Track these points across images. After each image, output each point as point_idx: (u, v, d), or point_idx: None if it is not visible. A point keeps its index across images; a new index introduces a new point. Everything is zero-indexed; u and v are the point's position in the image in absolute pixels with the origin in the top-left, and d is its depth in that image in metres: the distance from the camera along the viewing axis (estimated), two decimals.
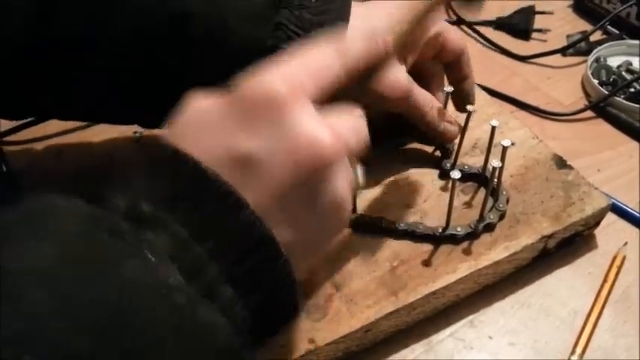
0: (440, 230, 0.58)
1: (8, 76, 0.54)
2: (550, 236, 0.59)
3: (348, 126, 0.39)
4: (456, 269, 0.56)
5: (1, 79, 0.54)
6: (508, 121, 0.70)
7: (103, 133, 0.76)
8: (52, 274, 0.28)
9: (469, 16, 0.93)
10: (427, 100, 0.61)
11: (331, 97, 0.39)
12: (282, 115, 0.35)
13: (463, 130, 0.63)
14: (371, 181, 0.63)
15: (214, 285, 0.33)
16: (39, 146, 0.76)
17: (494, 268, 0.57)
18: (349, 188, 0.39)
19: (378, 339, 0.55)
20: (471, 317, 0.57)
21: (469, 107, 0.60)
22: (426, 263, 0.56)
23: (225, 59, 0.53)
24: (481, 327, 0.57)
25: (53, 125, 0.77)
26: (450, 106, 0.64)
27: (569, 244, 0.62)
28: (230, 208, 0.33)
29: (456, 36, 0.62)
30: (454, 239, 0.58)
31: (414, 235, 0.58)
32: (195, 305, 0.32)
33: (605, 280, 0.60)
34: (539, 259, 0.60)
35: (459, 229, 0.58)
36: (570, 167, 0.65)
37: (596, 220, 0.62)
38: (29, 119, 0.74)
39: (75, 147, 0.76)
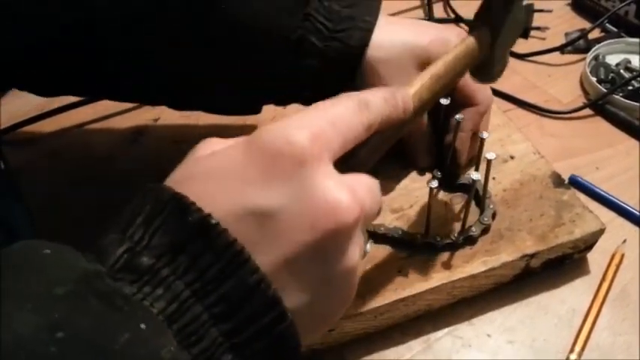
0: (419, 238, 0.57)
1: (44, 54, 0.55)
2: (533, 255, 0.57)
3: (366, 189, 0.36)
4: (428, 279, 0.55)
5: (37, 56, 0.55)
6: (511, 133, 0.69)
7: (100, 132, 0.76)
8: (29, 348, 0.25)
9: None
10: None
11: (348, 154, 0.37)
12: (304, 171, 0.32)
13: (453, 140, 0.61)
14: None
15: (213, 352, 0.30)
16: (37, 145, 0.76)
17: (471, 282, 0.56)
18: (361, 256, 0.36)
19: (344, 339, 0.55)
20: (469, 315, 0.57)
21: (483, 134, 0.58)
22: (401, 270, 0.56)
23: (252, 47, 0.55)
24: (479, 325, 0.57)
25: (51, 124, 0.77)
26: None
27: (557, 266, 0.60)
28: (237, 268, 0.30)
29: (474, 84, 0.59)
30: (432, 248, 0.57)
31: (392, 240, 0.58)
32: None
33: (603, 279, 0.60)
34: (523, 278, 0.59)
35: (438, 239, 0.57)
36: (567, 187, 0.63)
37: (586, 244, 0.60)
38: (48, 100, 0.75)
39: (72, 146, 0.76)
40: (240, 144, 0.34)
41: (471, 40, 0.49)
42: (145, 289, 0.29)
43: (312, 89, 0.57)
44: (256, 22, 0.54)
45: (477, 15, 0.51)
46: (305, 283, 0.33)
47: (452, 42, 0.59)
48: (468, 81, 0.59)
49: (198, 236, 0.30)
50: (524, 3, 0.54)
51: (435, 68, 0.46)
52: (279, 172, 0.32)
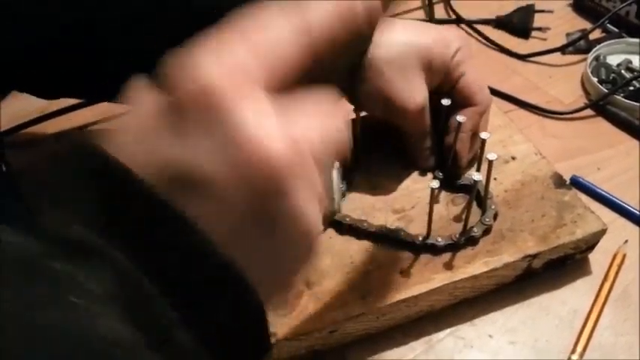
0: (420, 239, 0.57)
1: (44, 54, 0.54)
2: (534, 256, 0.57)
3: (313, 119, 0.30)
4: (430, 279, 0.55)
5: (37, 59, 0.55)
6: (512, 134, 0.69)
7: None
8: None
9: None
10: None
11: (298, 82, 0.30)
12: (220, 115, 0.27)
13: (454, 141, 0.61)
14: (362, 181, 0.63)
15: (165, 328, 0.26)
16: (38, 147, 0.76)
17: (472, 282, 0.56)
18: (317, 204, 0.30)
19: (346, 340, 0.55)
20: (471, 316, 0.57)
21: (484, 135, 0.57)
22: (402, 271, 0.56)
23: None
24: (481, 326, 0.57)
25: (52, 127, 0.77)
26: None
27: (559, 267, 0.60)
28: (181, 231, 0.26)
29: (474, 85, 0.60)
30: (434, 249, 0.57)
31: (394, 241, 0.57)
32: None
33: (605, 279, 0.60)
34: (524, 279, 0.59)
35: (439, 240, 0.57)
36: (569, 187, 0.63)
37: (588, 244, 0.60)
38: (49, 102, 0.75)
39: None
40: (151, 94, 0.29)
41: None
42: (78, 262, 0.25)
43: None
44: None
45: None
46: (248, 245, 0.29)
47: (453, 42, 0.59)
48: (467, 82, 0.60)
49: (133, 203, 0.26)
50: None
51: None
52: (193, 122, 0.27)
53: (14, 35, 0.52)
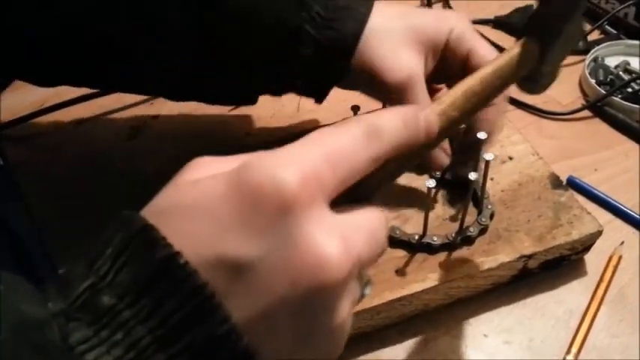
0: (416, 238, 0.57)
1: (44, 52, 0.55)
2: (530, 256, 0.57)
3: (364, 234, 0.31)
4: (425, 279, 0.55)
5: (38, 58, 0.56)
6: (510, 134, 0.69)
7: (100, 128, 0.76)
8: None
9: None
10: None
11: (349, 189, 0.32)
12: (289, 219, 0.28)
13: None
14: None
15: None
16: (37, 140, 0.76)
17: (468, 282, 0.56)
18: (352, 309, 0.32)
19: None
20: (466, 315, 0.57)
21: (480, 134, 0.55)
22: (398, 269, 0.56)
23: (250, 36, 0.55)
24: (476, 325, 0.57)
25: (51, 120, 0.77)
26: None
27: (554, 267, 0.60)
28: (206, 315, 0.27)
29: (489, 57, 0.57)
30: (430, 248, 0.57)
31: (389, 240, 0.57)
32: None
33: (601, 280, 0.60)
34: (520, 279, 0.59)
35: (434, 239, 0.57)
36: (565, 188, 0.63)
37: (584, 245, 0.60)
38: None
39: (72, 142, 0.76)
40: (225, 176, 0.30)
41: (515, 53, 0.43)
42: (102, 332, 0.27)
43: (307, 79, 0.58)
44: (254, 12, 0.54)
45: (527, 24, 0.46)
46: (284, 341, 0.30)
47: (449, 18, 0.57)
48: (479, 55, 0.56)
49: (164, 276, 0.27)
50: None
51: (471, 81, 0.40)
52: (261, 218, 0.28)
53: (14, 35, 0.52)
